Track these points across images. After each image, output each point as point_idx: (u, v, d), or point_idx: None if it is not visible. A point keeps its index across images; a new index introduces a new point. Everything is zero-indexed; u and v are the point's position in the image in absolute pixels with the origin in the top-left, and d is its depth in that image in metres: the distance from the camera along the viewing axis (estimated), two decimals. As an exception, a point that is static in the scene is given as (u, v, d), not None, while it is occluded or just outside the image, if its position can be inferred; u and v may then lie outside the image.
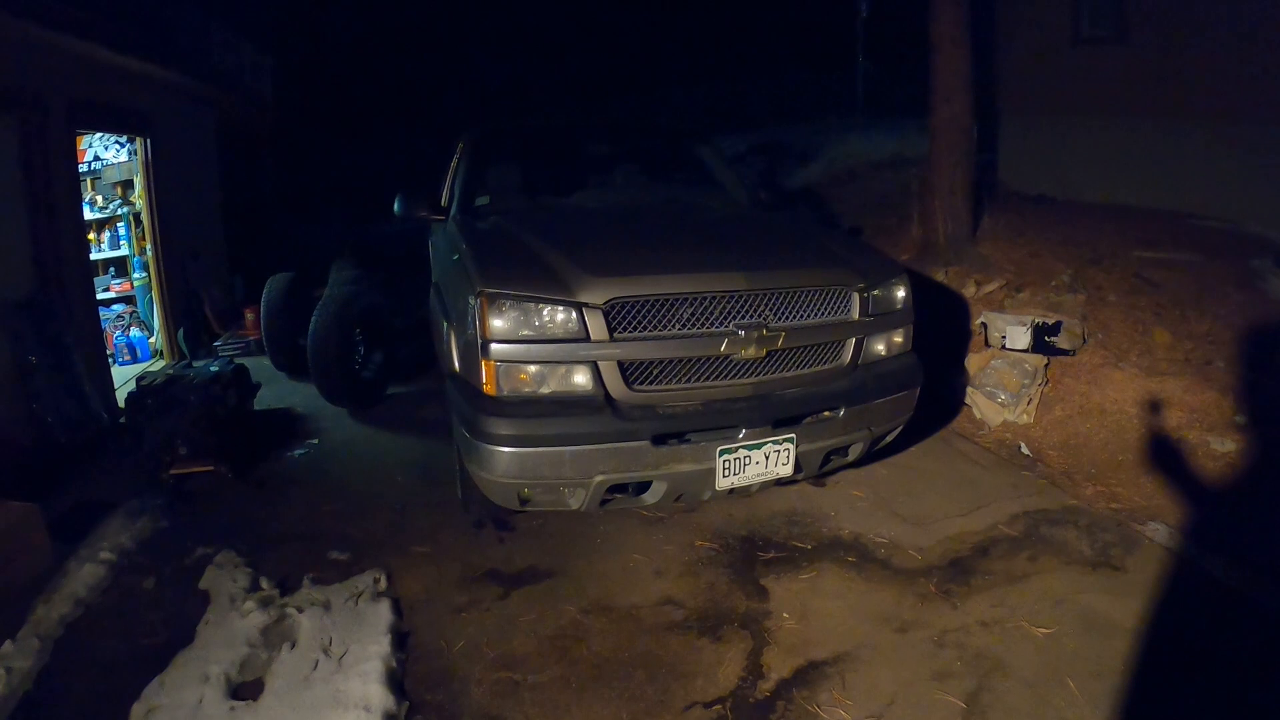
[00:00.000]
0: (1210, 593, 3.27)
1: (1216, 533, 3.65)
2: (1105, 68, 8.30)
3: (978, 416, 5.08)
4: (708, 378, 3.20)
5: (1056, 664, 2.81)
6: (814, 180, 11.31)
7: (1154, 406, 4.67)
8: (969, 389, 5.20)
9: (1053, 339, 5.20)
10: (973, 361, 5.33)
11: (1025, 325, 5.20)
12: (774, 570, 3.51)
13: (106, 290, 7.73)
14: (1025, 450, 4.69)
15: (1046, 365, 5.13)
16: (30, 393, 4.98)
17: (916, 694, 2.72)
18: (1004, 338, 5.26)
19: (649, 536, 3.83)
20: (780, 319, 3.25)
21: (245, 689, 2.87)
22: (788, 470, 3.26)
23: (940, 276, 6.42)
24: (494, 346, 3.03)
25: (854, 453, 3.56)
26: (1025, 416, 4.96)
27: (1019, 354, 5.17)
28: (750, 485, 3.26)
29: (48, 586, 3.51)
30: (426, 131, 14.79)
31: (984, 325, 5.48)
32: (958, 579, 3.39)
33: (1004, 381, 5.05)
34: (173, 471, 4.57)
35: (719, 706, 2.71)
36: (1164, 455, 4.37)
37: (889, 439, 3.77)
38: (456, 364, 3.42)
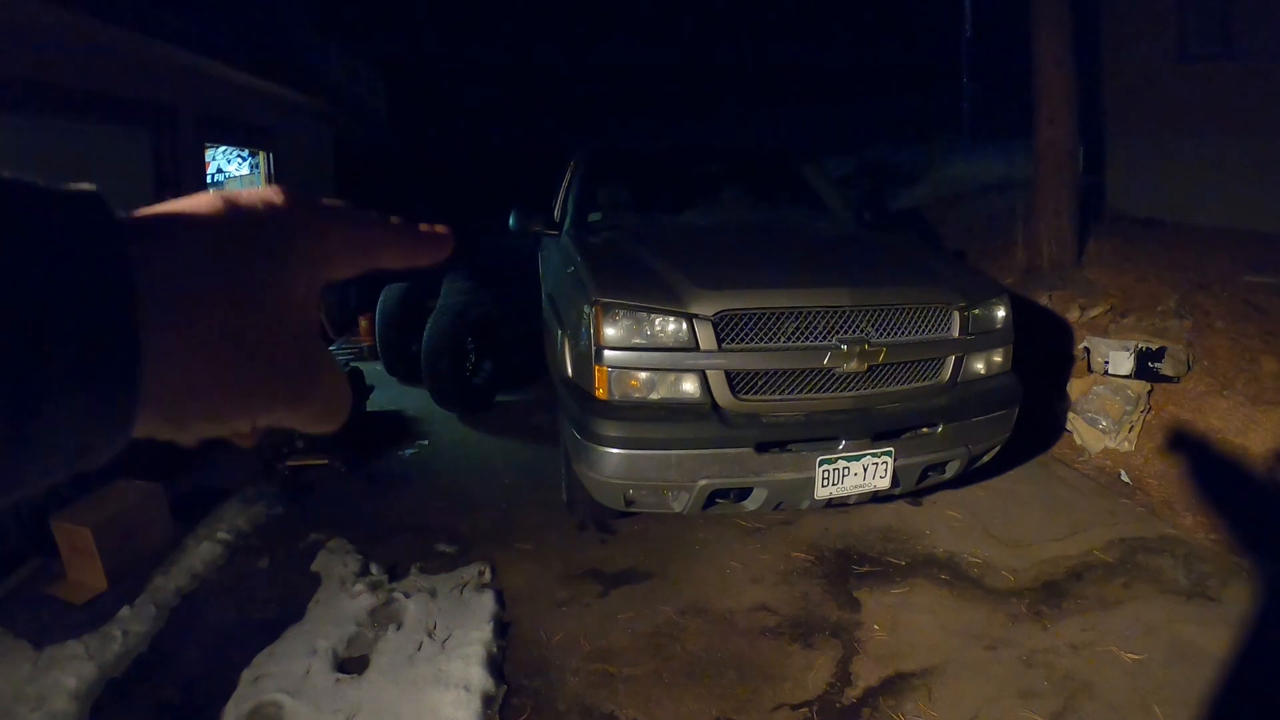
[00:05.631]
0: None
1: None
2: (1213, 85, 8.03)
3: (1078, 443, 5.02)
4: (810, 390, 3.29)
5: (1144, 690, 2.79)
6: (920, 202, 11.17)
7: (1258, 437, 4.55)
8: (1070, 414, 5.14)
9: (1156, 365, 5.10)
10: (1075, 387, 5.26)
11: (1128, 351, 5.11)
12: (867, 583, 3.55)
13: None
14: (1125, 478, 4.61)
15: (1149, 392, 5.03)
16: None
17: (1001, 710, 2.74)
18: (1107, 363, 5.18)
19: (746, 545, 3.91)
20: (882, 335, 3.34)
21: (351, 664, 3.06)
22: (885, 483, 3.32)
23: (1044, 300, 6.34)
24: (607, 353, 3.19)
25: (951, 470, 3.59)
26: (1126, 444, 4.88)
27: (1121, 380, 5.09)
28: (848, 496, 3.34)
29: (166, 561, 3.73)
30: (530, 150, 15.21)
31: (1087, 350, 5.40)
32: (1050, 601, 3.37)
33: (1106, 408, 4.98)
34: (289, 463, 4.81)
35: (806, 709, 2.78)
36: (1266, 488, 4.26)
37: (986, 458, 3.78)
38: (569, 370, 3.59)
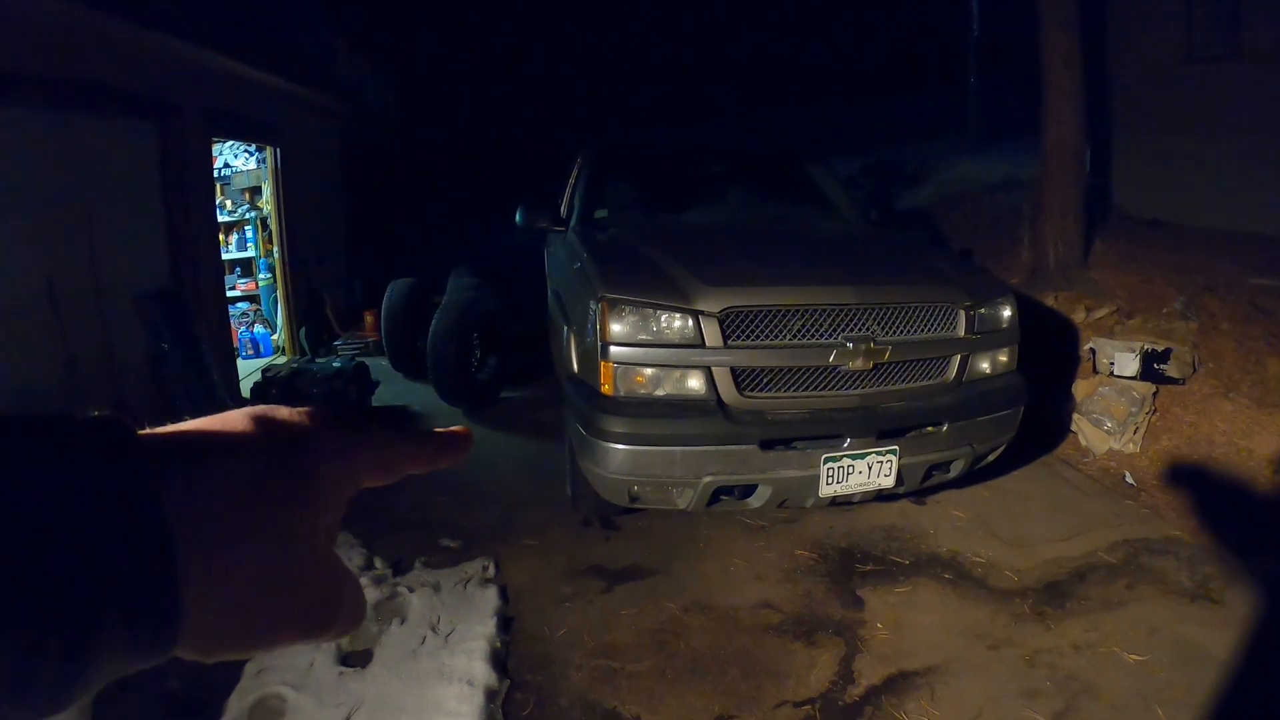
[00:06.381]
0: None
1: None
2: (1220, 87, 8.02)
3: (1083, 444, 5.01)
4: (815, 387, 3.30)
5: (1147, 691, 2.79)
6: (925, 202, 11.16)
7: (1263, 439, 4.54)
8: (1075, 415, 5.13)
9: (1162, 367, 5.09)
10: (1080, 388, 5.26)
11: (1134, 352, 5.10)
12: (870, 582, 3.55)
13: (233, 289, 8.22)
14: (1129, 479, 4.61)
15: (1155, 394, 5.02)
16: (161, 377, 5.34)
17: (1003, 709, 2.74)
18: (1112, 364, 5.17)
19: (750, 543, 3.91)
20: (887, 333, 3.34)
21: (355, 657, 3.05)
22: (889, 482, 3.32)
23: (1050, 301, 6.34)
24: (613, 349, 3.20)
25: (956, 469, 3.59)
26: (1131, 445, 4.87)
27: (1127, 381, 5.08)
28: (852, 494, 3.34)
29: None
30: (533, 150, 15.23)
31: (1092, 351, 5.39)
32: (1053, 602, 3.37)
33: (1111, 409, 4.97)
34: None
35: (808, 707, 2.78)
36: (1270, 490, 4.25)
37: (991, 458, 3.78)
38: (575, 366, 3.60)
